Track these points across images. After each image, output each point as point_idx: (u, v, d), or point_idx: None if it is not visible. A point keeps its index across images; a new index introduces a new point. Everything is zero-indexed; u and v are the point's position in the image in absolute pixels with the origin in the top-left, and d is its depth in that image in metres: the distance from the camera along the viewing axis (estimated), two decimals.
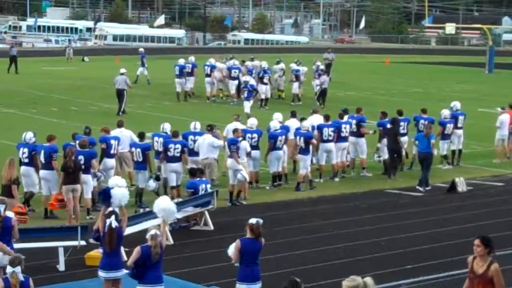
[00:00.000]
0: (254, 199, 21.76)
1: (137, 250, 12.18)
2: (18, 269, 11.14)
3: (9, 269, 11.14)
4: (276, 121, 23.47)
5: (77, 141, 20.31)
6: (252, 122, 23.29)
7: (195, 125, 22.52)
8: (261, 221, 12.47)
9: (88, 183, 19.77)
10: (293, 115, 25.23)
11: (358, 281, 9.42)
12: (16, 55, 56.66)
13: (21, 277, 11.13)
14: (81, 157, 19.58)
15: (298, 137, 23.04)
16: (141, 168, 20.92)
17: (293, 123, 24.36)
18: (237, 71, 40.96)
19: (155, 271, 12.39)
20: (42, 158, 19.75)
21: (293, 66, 42.17)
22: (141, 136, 21.28)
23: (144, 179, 20.80)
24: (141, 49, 53.08)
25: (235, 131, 22.13)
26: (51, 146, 19.93)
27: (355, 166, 25.24)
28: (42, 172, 19.80)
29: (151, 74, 49.27)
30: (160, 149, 21.52)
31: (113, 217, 13.09)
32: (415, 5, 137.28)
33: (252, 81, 37.66)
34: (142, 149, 20.87)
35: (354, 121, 24.88)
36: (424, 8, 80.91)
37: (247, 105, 35.56)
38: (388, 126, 24.75)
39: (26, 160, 19.95)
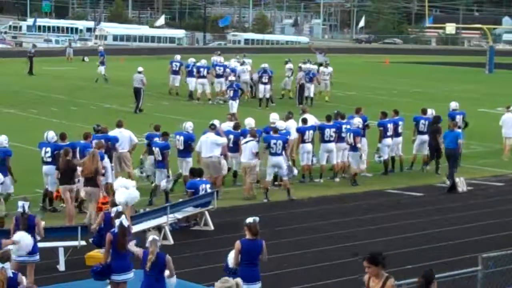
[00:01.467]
0: (254, 199, 21.75)
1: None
2: (7, 265, 11.09)
3: None
4: (282, 121, 23.51)
5: (95, 141, 20.53)
6: (249, 122, 23.30)
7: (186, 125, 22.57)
8: (257, 219, 12.49)
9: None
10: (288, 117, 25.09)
11: (231, 282, 10.25)
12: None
13: (9, 273, 11.07)
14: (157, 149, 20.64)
15: (348, 134, 23.82)
16: (161, 166, 21.00)
17: (291, 124, 24.36)
18: (222, 68, 41.17)
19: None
20: (77, 155, 19.98)
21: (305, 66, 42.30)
22: (165, 134, 21.47)
23: (162, 177, 20.92)
24: (101, 47, 53.56)
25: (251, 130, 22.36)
26: (87, 144, 20.41)
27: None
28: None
29: (152, 75, 49.14)
30: (181, 147, 21.75)
31: (123, 216, 13.14)
32: (415, 5, 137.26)
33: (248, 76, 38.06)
34: (161, 147, 20.94)
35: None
36: (424, 8, 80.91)
37: (234, 105, 35.62)
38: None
39: (49, 160, 20.09)
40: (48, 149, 20.14)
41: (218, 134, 21.99)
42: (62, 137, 20.55)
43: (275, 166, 21.89)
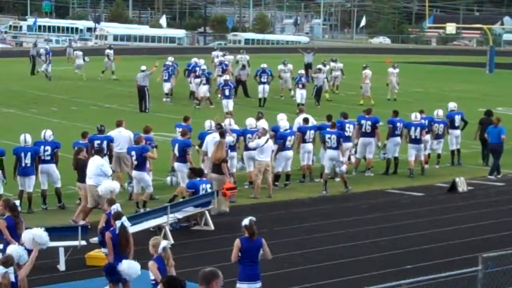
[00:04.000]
0: (254, 199, 21.76)
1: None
2: (10, 269, 11.05)
3: (1, 269, 10.92)
4: (285, 121, 23.52)
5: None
6: (251, 122, 23.32)
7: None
8: (253, 219, 12.51)
9: (142, 180, 20.13)
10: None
11: (159, 239, 11.98)
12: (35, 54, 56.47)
13: (12, 278, 11.03)
14: (133, 153, 20.19)
15: (413, 128, 24.93)
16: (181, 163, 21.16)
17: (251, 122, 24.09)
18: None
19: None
20: (134, 158, 20.22)
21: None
22: (184, 134, 21.68)
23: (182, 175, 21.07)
24: (46, 46, 54.05)
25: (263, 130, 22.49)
26: (85, 143, 20.63)
27: (358, 166, 25.24)
28: (135, 172, 20.24)
29: (153, 75, 49.11)
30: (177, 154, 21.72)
31: (123, 217, 13.11)
32: (416, 5, 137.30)
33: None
34: (182, 145, 21.07)
35: (369, 122, 24.88)
36: (424, 8, 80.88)
37: (231, 104, 35.64)
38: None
39: (48, 158, 20.16)
40: (48, 147, 20.15)
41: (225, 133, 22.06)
42: (84, 135, 21.15)
43: (332, 159, 22.69)
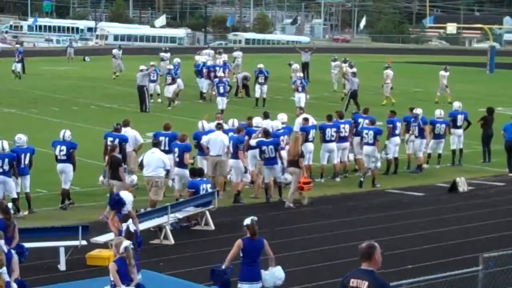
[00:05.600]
0: (254, 199, 21.76)
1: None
2: (4, 270, 11.09)
3: None
4: (278, 121, 23.51)
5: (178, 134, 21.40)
6: (257, 121, 23.37)
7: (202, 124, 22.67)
8: (255, 218, 12.52)
9: (184, 177, 20.44)
10: (266, 116, 25.03)
11: (122, 239, 11.96)
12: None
13: (7, 277, 11.07)
14: (176, 150, 20.65)
15: (438, 125, 25.66)
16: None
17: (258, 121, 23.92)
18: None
19: None
20: (176, 155, 20.60)
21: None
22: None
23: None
24: (18, 45, 54.21)
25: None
26: (187, 144, 21.03)
27: (361, 166, 25.25)
28: (177, 170, 20.57)
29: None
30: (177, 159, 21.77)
31: (130, 220, 13.14)
32: (416, 5, 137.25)
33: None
34: (183, 149, 21.01)
35: (366, 121, 24.82)
36: (425, 8, 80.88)
37: (225, 101, 35.80)
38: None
39: (64, 158, 20.33)
40: (64, 147, 20.37)
41: (226, 132, 22.11)
42: (122, 126, 21.58)
43: (368, 155, 23.51)
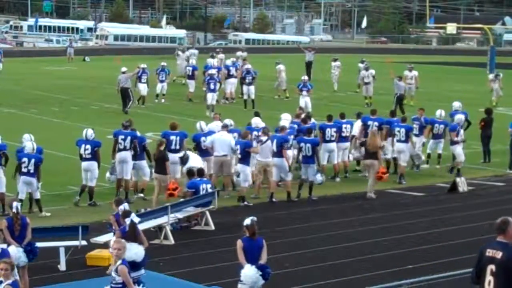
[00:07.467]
0: (254, 199, 21.77)
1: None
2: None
3: None
4: (285, 120, 23.58)
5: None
6: (257, 121, 23.37)
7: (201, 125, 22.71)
8: (255, 219, 12.51)
9: (244, 172, 21.31)
10: (257, 114, 25.03)
11: (123, 242, 11.64)
12: None
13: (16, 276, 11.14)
14: (237, 147, 21.50)
15: (437, 125, 25.77)
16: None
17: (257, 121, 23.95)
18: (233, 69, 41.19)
19: None
20: (238, 152, 21.33)
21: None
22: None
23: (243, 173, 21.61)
24: None
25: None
26: (247, 142, 21.56)
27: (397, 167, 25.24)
28: (239, 166, 21.36)
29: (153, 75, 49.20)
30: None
31: (132, 214, 13.23)
32: (416, 5, 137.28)
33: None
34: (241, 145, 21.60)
35: (375, 123, 24.83)
36: (425, 8, 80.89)
37: (214, 97, 36.25)
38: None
39: (89, 156, 20.59)
40: (88, 146, 20.60)
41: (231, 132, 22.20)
42: (173, 127, 21.97)
43: (400, 152, 24.16)
